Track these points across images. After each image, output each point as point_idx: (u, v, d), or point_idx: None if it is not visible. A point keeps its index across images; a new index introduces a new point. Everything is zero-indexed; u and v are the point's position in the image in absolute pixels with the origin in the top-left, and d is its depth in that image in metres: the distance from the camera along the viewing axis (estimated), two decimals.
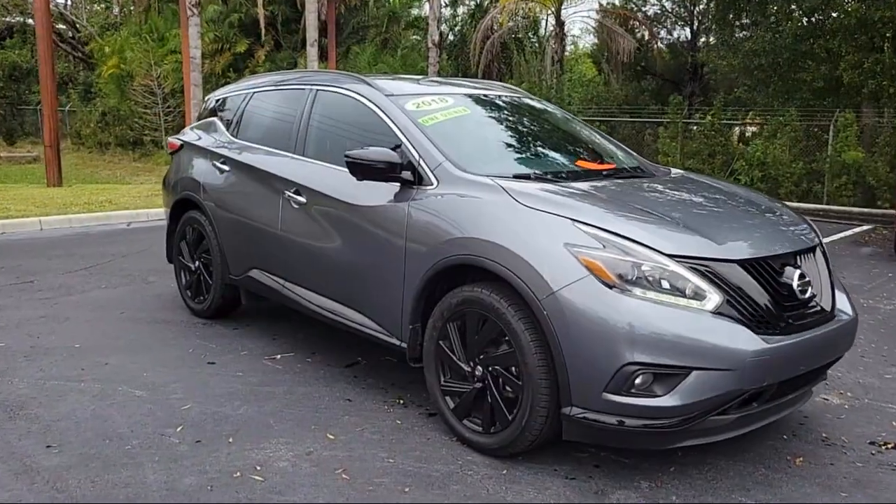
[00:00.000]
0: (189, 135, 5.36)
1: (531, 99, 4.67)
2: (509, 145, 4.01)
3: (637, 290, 2.79)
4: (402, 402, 3.78)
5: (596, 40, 22.51)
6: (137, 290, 5.86)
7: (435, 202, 3.38)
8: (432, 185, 3.45)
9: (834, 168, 13.24)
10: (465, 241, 3.18)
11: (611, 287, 2.79)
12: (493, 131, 4.11)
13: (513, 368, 3.07)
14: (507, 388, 3.11)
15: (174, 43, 23.49)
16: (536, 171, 3.59)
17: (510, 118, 4.29)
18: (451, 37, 26.13)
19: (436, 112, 3.84)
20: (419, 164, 3.52)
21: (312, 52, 14.01)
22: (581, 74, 24.56)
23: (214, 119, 5.15)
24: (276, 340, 4.71)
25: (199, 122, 5.39)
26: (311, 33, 14.18)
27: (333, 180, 3.92)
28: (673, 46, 21.31)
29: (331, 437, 3.37)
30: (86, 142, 25.07)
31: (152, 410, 3.59)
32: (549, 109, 4.60)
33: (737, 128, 17.49)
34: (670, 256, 2.83)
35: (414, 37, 26.71)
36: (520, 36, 22.66)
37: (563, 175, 3.64)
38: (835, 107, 14.08)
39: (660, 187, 3.64)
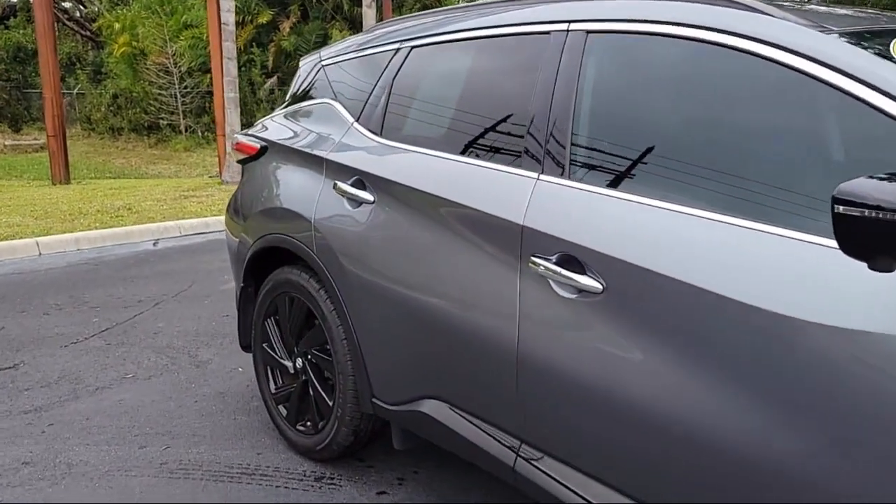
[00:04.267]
0: (275, 129, 3.04)
1: None
2: None
3: None
4: None
5: None
6: (185, 385, 3.58)
7: None
8: None
9: None
10: None
11: None
12: None
13: None
14: None
15: (188, 16, 21.21)
16: None
17: None
18: None
19: None
20: None
21: (370, 14, 11.53)
22: None
23: (328, 102, 2.81)
24: None
25: (293, 105, 3.06)
26: None
27: (704, 245, 1.60)
28: None
29: None
30: (97, 127, 22.95)
31: None
32: None
33: None
34: None
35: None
36: None
37: None
38: None
39: None
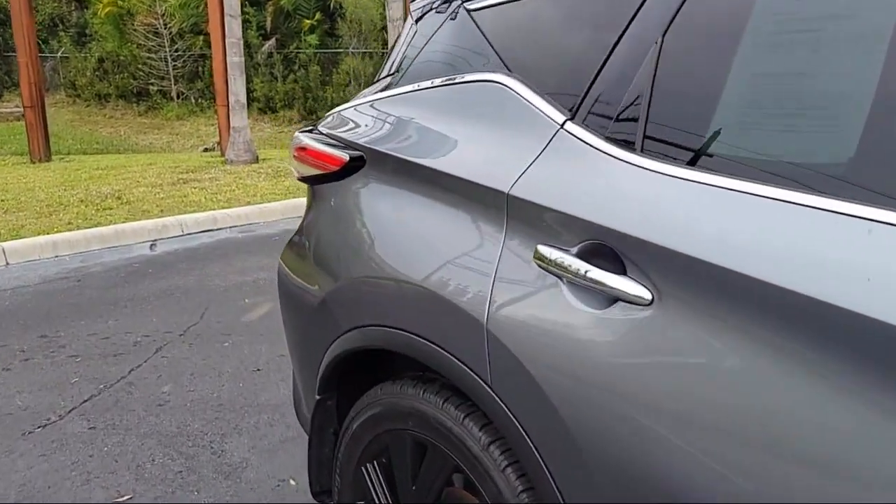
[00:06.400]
0: (376, 127, 1.72)
1: None
2: None
3: None
4: None
5: None
6: None
7: None
8: None
9: None
10: None
11: None
12: None
13: None
14: None
15: None
16: None
17: None
18: None
19: None
20: None
21: None
22: None
23: (495, 81, 1.48)
24: None
25: (409, 86, 1.72)
26: None
27: None
28: None
29: None
30: (82, 93, 21.48)
31: None
32: None
33: None
34: None
35: None
36: None
37: None
38: None
39: None
